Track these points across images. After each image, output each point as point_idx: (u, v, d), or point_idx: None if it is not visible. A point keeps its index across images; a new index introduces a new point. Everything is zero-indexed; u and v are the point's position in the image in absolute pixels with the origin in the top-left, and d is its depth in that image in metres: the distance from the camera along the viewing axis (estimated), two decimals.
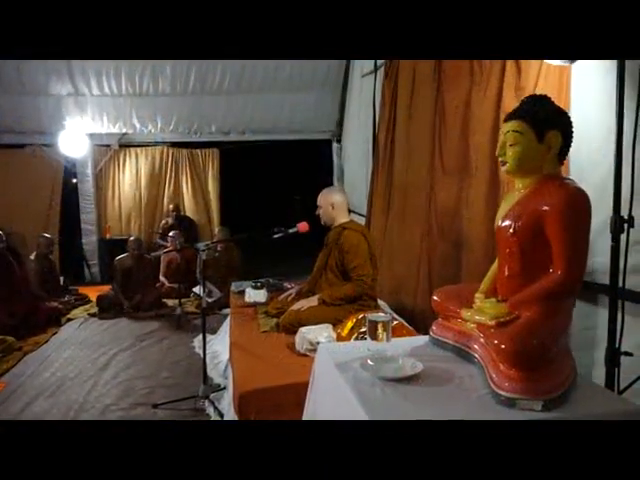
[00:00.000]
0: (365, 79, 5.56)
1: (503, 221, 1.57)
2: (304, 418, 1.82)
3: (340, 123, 7.13)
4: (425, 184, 3.66)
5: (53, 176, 7.14)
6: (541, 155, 1.52)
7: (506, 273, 1.56)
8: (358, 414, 1.26)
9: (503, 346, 1.33)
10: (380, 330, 1.55)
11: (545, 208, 1.44)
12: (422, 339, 1.80)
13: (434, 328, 1.75)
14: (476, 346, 1.51)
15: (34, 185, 7.06)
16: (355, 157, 6.28)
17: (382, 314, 1.61)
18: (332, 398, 1.53)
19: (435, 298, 1.75)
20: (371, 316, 1.59)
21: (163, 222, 7.41)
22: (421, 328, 2.98)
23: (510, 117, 1.58)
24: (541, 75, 2.40)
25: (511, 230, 1.52)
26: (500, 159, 1.59)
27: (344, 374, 1.47)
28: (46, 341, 4.75)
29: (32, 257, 5.85)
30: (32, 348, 4.51)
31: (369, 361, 1.51)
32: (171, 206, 7.35)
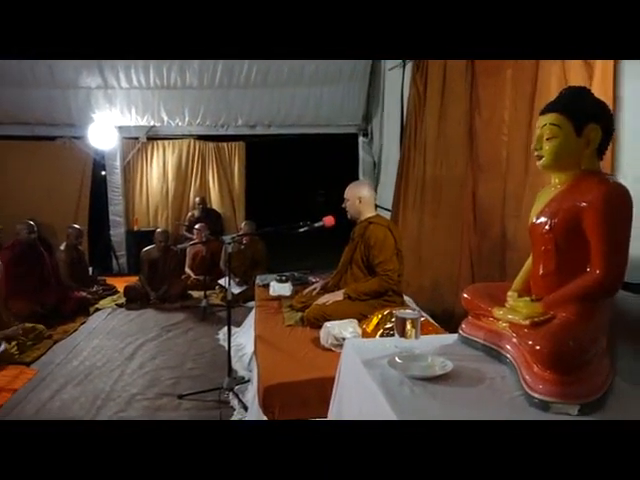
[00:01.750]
0: (393, 72, 5.50)
1: (538, 218, 1.53)
2: (329, 414, 1.80)
3: (366, 117, 7.08)
4: (462, 179, 3.59)
5: (82, 168, 7.25)
6: (579, 150, 1.47)
7: (541, 271, 1.52)
8: (386, 412, 1.24)
9: (538, 347, 1.29)
10: (409, 327, 1.52)
11: (583, 204, 1.39)
12: (451, 337, 1.76)
13: (464, 326, 1.71)
14: (508, 346, 1.47)
15: (64, 177, 7.19)
16: (384, 151, 6.22)
17: (410, 310, 1.57)
18: (358, 395, 1.51)
19: (465, 296, 1.71)
20: (399, 312, 1.56)
21: (189, 215, 7.46)
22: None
23: (547, 110, 1.52)
24: (582, 68, 2.32)
25: (547, 227, 1.47)
26: (536, 153, 1.54)
27: (371, 371, 1.44)
28: (75, 330, 4.84)
29: (62, 248, 5.94)
30: (61, 337, 4.60)
31: (397, 359, 1.48)
32: (197, 199, 7.39)
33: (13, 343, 4.05)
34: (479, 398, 1.32)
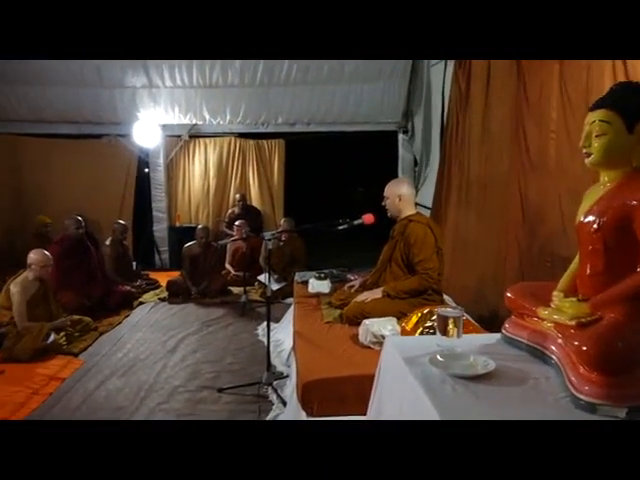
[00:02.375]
0: (435, 69, 5.44)
1: (586, 217, 1.49)
2: (369, 411, 1.81)
3: (406, 114, 7.02)
4: (508, 178, 3.53)
5: (127, 165, 7.46)
6: (630, 147, 1.43)
7: (588, 271, 1.48)
8: (427, 410, 1.24)
9: (584, 348, 1.26)
10: (451, 325, 1.51)
11: (634, 203, 1.35)
12: (494, 337, 1.74)
13: (507, 326, 1.69)
14: (553, 347, 1.44)
15: (110, 174, 7.41)
16: (425, 149, 6.16)
17: (453, 309, 1.56)
18: (399, 392, 1.51)
19: (509, 295, 1.68)
20: (442, 311, 1.55)
21: (230, 211, 7.57)
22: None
23: (597, 106, 1.48)
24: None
25: (595, 226, 1.44)
26: (584, 151, 1.51)
27: (412, 369, 1.44)
28: (119, 323, 4.99)
29: (107, 242, 6.13)
30: (106, 329, 4.75)
31: (438, 357, 1.47)
32: (237, 196, 7.49)
33: (62, 334, 4.21)
34: (523, 398, 1.30)
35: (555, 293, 1.54)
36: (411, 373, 1.41)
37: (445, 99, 4.87)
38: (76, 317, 4.54)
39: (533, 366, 1.48)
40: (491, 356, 1.50)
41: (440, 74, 5.00)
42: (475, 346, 1.62)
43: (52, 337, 4.06)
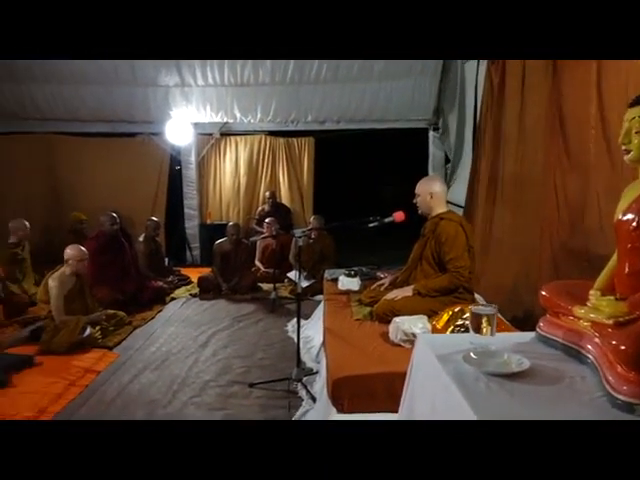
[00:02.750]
0: (469, 65, 5.38)
1: (624, 214, 1.47)
2: (401, 407, 1.81)
3: (437, 111, 6.96)
4: (545, 175, 3.46)
5: (160, 163, 7.59)
6: None
7: (626, 270, 1.46)
8: (461, 407, 1.24)
9: (622, 347, 1.24)
10: (484, 323, 1.50)
11: None
12: (527, 335, 1.72)
13: (541, 325, 1.67)
14: (589, 346, 1.42)
15: (143, 172, 7.55)
16: (458, 146, 6.09)
17: (486, 306, 1.55)
18: (432, 389, 1.51)
19: (544, 293, 1.66)
20: (475, 308, 1.54)
21: (260, 209, 7.64)
22: None
23: (636, 102, 1.46)
24: None
25: (634, 224, 1.41)
26: (623, 147, 1.48)
27: (445, 366, 1.44)
28: (152, 318, 5.09)
29: (140, 239, 6.25)
30: (140, 323, 4.85)
31: (472, 354, 1.47)
32: (267, 193, 7.55)
33: (97, 328, 4.32)
34: (558, 397, 1.28)
35: (592, 292, 1.52)
36: (444, 370, 1.41)
37: (478, 96, 4.81)
38: (111, 311, 4.65)
39: (568, 365, 1.47)
40: (525, 354, 1.48)
41: (473, 71, 4.95)
42: (509, 344, 1.61)
43: (88, 331, 4.17)
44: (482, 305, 1.57)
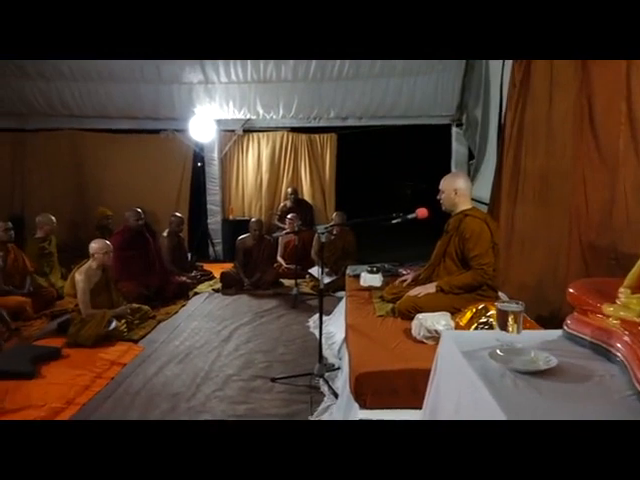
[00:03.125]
0: (492, 61, 5.32)
1: None
2: (425, 403, 1.81)
3: (461, 107, 6.89)
4: (571, 172, 3.40)
5: (184, 160, 7.67)
6: None
7: None
8: (488, 404, 1.23)
9: None
10: (511, 321, 1.49)
11: None
12: (554, 333, 1.70)
13: (569, 322, 1.65)
14: (619, 344, 1.40)
15: (167, 168, 7.65)
16: (482, 142, 6.02)
17: (513, 304, 1.54)
18: (457, 385, 1.50)
19: (571, 291, 1.64)
20: (502, 305, 1.53)
21: (282, 205, 7.66)
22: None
23: None
24: None
25: None
26: None
27: (471, 363, 1.43)
28: (176, 312, 5.15)
29: (164, 234, 6.32)
30: (164, 317, 4.92)
31: (498, 351, 1.46)
32: (289, 189, 7.57)
33: (122, 321, 4.39)
34: (588, 395, 1.27)
35: (622, 289, 1.50)
36: (470, 367, 1.40)
37: (503, 91, 4.75)
38: (135, 305, 4.72)
39: (597, 363, 1.45)
40: (552, 352, 1.47)
41: (498, 66, 4.88)
42: (535, 342, 1.59)
43: (114, 324, 4.24)
44: (508, 302, 1.56)
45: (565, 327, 1.66)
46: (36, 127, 7.43)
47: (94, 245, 4.43)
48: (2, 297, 4.68)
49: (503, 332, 1.52)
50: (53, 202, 7.41)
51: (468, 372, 1.40)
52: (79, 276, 4.33)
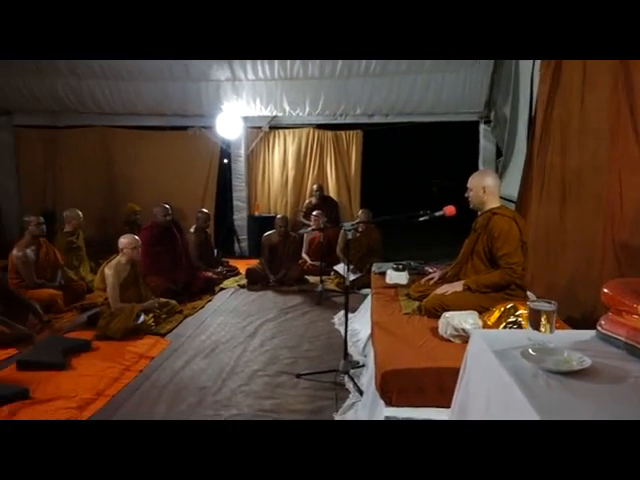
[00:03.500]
0: None
1: None
2: (453, 402, 1.79)
3: (489, 104, 6.80)
4: (605, 171, 3.32)
5: (210, 156, 7.74)
6: None
7: None
8: (519, 403, 1.22)
9: None
10: (544, 320, 1.46)
11: None
12: (587, 334, 1.67)
13: (603, 323, 1.62)
14: None
15: (194, 164, 7.74)
16: (511, 140, 5.93)
17: (546, 303, 1.51)
18: (487, 384, 1.49)
19: (606, 291, 1.61)
20: (534, 305, 1.50)
21: (307, 202, 7.67)
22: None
23: None
24: None
25: None
26: None
27: (503, 362, 1.41)
28: (202, 307, 5.21)
29: (191, 230, 6.40)
30: (190, 312, 4.98)
31: (531, 351, 1.44)
32: (315, 186, 7.57)
33: (150, 315, 4.46)
34: (623, 397, 1.24)
35: None
36: (502, 366, 1.39)
37: (534, 88, 4.67)
38: (163, 300, 4.79)
39: (632, 365, 1.42)
40: (585, 353, 1.44)
41: (529, 62, 4.80)
42: (568, 342, 1.56)
43: (142, 318, 4.31)
44: (541, 301, 1.53)
45: (599, 327, 1.63)
46: (67, 124, 7.58)
47: (123, 240, 4.50)
48: (35, 290, 4.80)
49: (535, 331, 1.50)
50: (84, 198, 7.59)
51: (499, 371, 1.38)
52: (108, 271, 4.40)
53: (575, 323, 3.07)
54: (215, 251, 7.00)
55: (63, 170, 7.78)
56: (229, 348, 4.09)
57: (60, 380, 3.38)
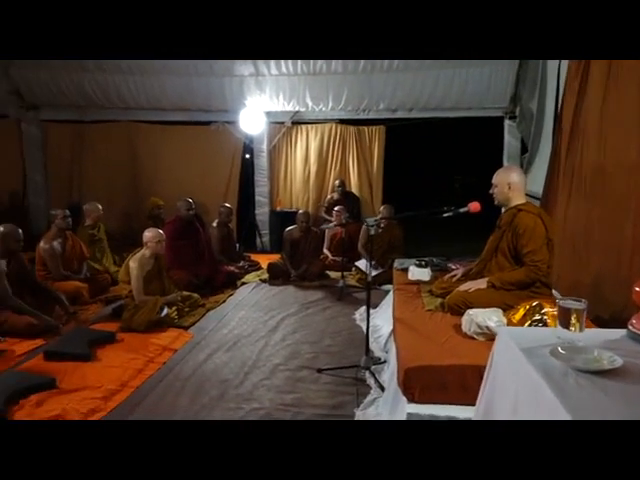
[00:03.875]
0: None
1: None
2: (479, 401, 1.78)
3: (514, 99, 6.70)
4: (634, 168, 3.24)
5: (233, 151, 7.78)
6: None
7: None
8: (549, 401, 1.20)
9: None
10: (574, 319, 1.44)
11: None
12: (617, 333, 1.64)
13: (634, 322, 1.58)
14: None
15: (217, 159, 7.78)
16: (536, 135, 5.84)
17: (576, 301, 1.49)
18: (515, 382, 1.47)
19: (638, 289, 1.58)
20: (564, 302, 1.48)
21: (329, 197, 7.66)
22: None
23: None
24: None
25: None
26: None
27: (531, 360, 1.40)
28: (224, 301, 5.24)
29: (214, 224, 6.44)
30: (213, 306, 5.02)
31: (560, 349, 1.42)
32: (337, 182, 7.55)
33: (173, 308, 4.51)
34: None
35: None
36: (530, 364, 1.37)
37: (560, 82, 4.58)
38: (186, 293, 4.84)
39: None
40: (616, 352, 1.42)
41: None
42: (598, 341, 1.54)
43: (165, 311, 4.36)
44: (570, 299, 1.51)
45: (630, 327, 1.60)
46: (93, 119, 7.69)
47: (148, 234, 4.55)
48: (61, 282, 4.89)
49: (564, 330, 1.48)
50: (108, 192, 7.71)
51: (527, 369, 1.36)
52: (133, 264, 4.46)
53: (603, 323, 3.02)
54: (237, 246, 7.04)
55: (89, 164, 7.90)
56: (251, 342, 4.11)
57: (86, 371, 3.44)
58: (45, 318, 4.12)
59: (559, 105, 4.57)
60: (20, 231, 4.23)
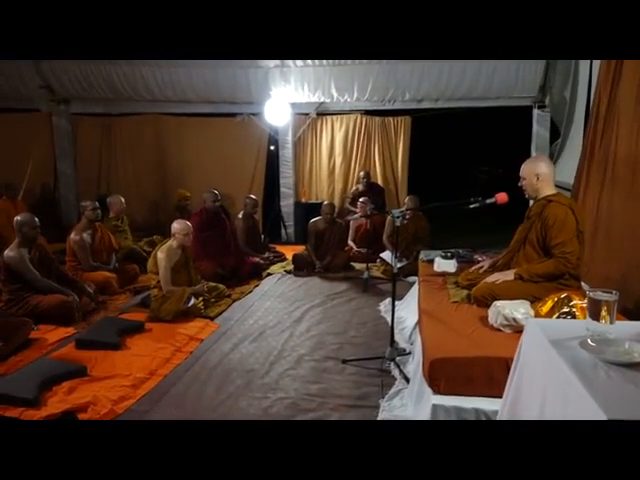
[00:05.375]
0: None
1: None
2: (506, 393, 1.76)
3: (543, 88, 6.55)
4: None
5: (258, 143, 7.80)
6: None
7: None
8: (578, 394, 1.18)
9: None
10: (604, 311, 1.42)
11: None
12: None
13: None
14: None
15: (242, 151, 7.82)
16: (566, 125, 5.71)
17: (607, 293, 1.46)
18: (543, 374, 1.45)
19: None
20: (594, 294, 1.46)
21: (354, 188, 7.63)
22: None
23: None
24: None
25: None
26: None
27: (561, 352, 1.38)
28: (250, 292, 5.29)
29: (240, 216, 6.48)
30: (238, 296, 5.07)
31: (589, 341, 1.40)
32: (362, 173, 7.51)
33: (200, 299, 4.56)
34: None
35: None
36: (560, 356, 1.35)
37: (593, 70, 4.47)
38: (212, 284, 4.89)
39: None
40: None
41: None
42: (629, 333, 1.51)
43: (192, 301, 4.41)
44: (601, 291, 1.48)
45: None
46: (121, 112, 7.80)
47: (176, 225, 4.60)
48: (90, 273, 5.00)
49: (594, 322, 1.45)
50: (136, 184, 7.85)
51: (557, 361, 1.35)
52: (161, 254, 4.52)
53: (631, 315, 2.96)
54: (262, 237, 7.08)
55: (117, 157, 8.04)
56: (276, 332, 4.14)
57: (115, 359, 3.51)
58: (74, 296, 4.25)
59: (592, 94, 4.46)
60: (36, 219, 4.28)
